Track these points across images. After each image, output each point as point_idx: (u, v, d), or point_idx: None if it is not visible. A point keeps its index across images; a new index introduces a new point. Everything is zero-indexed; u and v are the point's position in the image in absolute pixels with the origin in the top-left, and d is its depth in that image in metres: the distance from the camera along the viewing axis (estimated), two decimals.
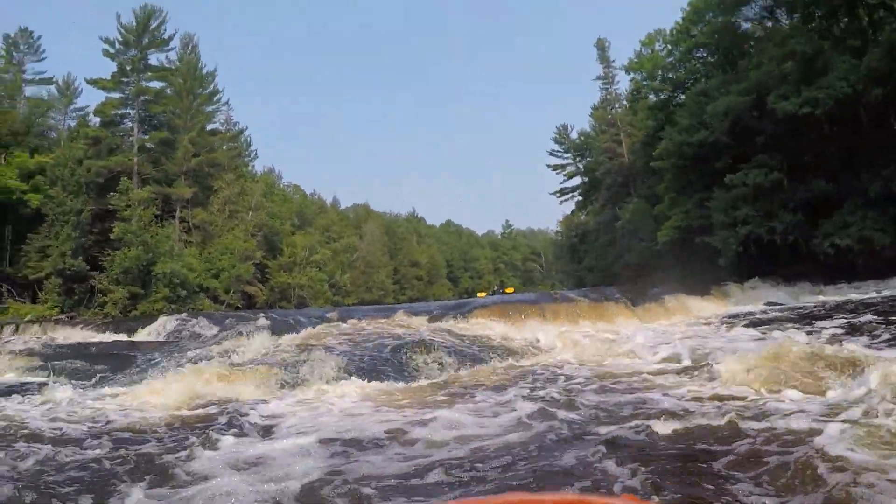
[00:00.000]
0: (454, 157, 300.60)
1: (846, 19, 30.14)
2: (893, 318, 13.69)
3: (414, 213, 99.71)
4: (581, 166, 67.05)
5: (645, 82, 49.19)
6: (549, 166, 68.01)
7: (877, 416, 5.40)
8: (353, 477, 5.45)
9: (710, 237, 33.79)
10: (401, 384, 11.18)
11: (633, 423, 6.31)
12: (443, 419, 7.44)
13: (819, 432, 5.12)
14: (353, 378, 11.47)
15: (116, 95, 46.26)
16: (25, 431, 7.83)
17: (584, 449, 5.59)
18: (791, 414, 6.09)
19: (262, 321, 21.36)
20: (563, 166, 67.99)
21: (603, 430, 6.27)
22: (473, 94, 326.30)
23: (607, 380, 9.70)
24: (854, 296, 22.05)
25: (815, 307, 20.30)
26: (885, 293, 21.07)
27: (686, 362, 10.77)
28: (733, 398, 7.24)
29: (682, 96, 41.64)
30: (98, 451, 6.77)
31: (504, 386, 10.12)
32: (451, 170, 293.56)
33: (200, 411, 9.16)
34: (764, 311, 21.14)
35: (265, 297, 49.74)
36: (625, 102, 56.57)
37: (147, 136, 46.49)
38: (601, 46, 57.25)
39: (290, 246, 54.95)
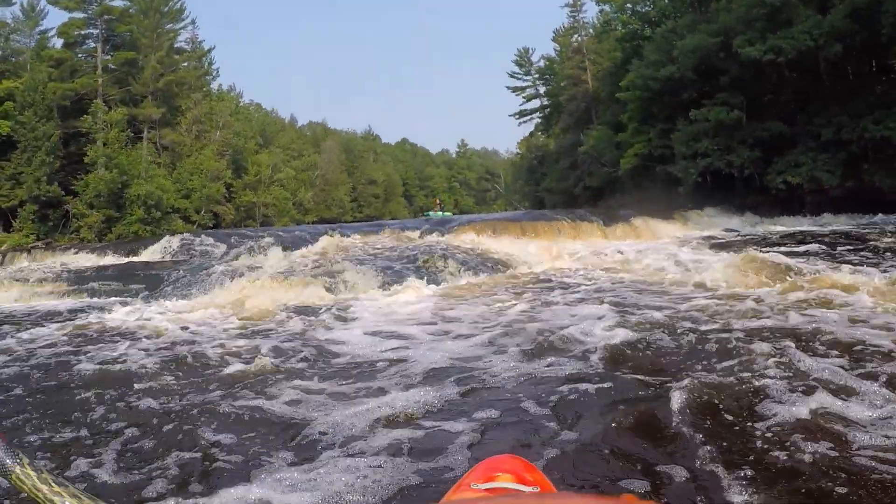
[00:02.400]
0: (410, 74, 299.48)
1: None
2: (836, 245, 16.59)
3: (370, 131, 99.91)
4: (541, 90, 69.28)
5: (615, 14, 51.29)
6: (509, 88, 69.77)
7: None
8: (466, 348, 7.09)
9: (671, 166, 36.91)
10: (442, 286, 12.79)
11: (661, 312, 8.41)
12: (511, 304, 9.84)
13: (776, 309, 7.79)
14: (405, 282, 12.80)
15: (80, 15, 46.16)
16: (153, 347, 8.04)
17: (638, 332, 7.23)
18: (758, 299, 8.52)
19: (267, 238, 22.81)
20: (522, 88, 69.94)
21: (638, 313, 8.37)
22: (431, 12, 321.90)
23: (617, 282, 11.85)
24: (803, 228, 25.08)
25: (768, 234, 23.34)
26: (831, 227, 24.13)
27: (673, 270, 13.08)
28: (717, 291, 9.67)
29: (650, 31, 43.81)
30: (242, 346, 7.67)
31: (529, 286, 12.08)
32: (406, 87, 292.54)
33: (286, 311, 10.24)
34: (723, 236, 24.14)
35: (232, 216, 51.16)
36: (591, 31, 58.38)
37: (111, 57, 46.63)
38: None
39: (254, 165, 56.03)
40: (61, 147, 41.38)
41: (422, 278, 13.33)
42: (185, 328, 9.22)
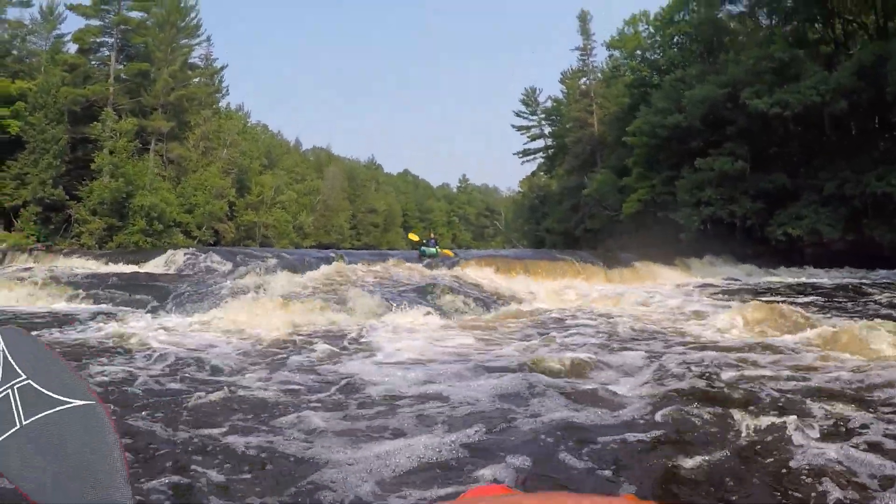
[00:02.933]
0: (416, 107, 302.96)
1: (821, 26, 33.38)
2: (836, 297, 17.11)
3: (373, 160, 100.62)
4: (546, 130, 70.41)
5: (624, 60, 52.39)
6: (514, 126, 71.19)
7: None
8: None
9: (673, 213, 37.49)
10: (455, 319, 12.92)
11: (671, 349, 8.73)
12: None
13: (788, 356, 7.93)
14: (415, 312, 12.84)
15: (96, 23, 46.97)
16: (175, 357, 8.03)
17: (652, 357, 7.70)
18: (772, 348, 8.54)
19: (272, 259, 22.77)
20: (528, 128, 71.25)
21: (658, 345, 8.90)
22: (442, 48, 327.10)
23: (631, 321, 11.94)
24: (803, 279, 25.49)
25: (770, 284, 23.72)
26: (830, 281, 24.51)
27: (683, 313, 13.44)
28: (731, 337, 9.90)
29: (658, 78, 44.72)
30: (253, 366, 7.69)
31: (540, 324, 12.13)
32: (411, 120, 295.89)
33: (300, 334, 10.22)
34: (725, 284, 24.39)
35: (233, 234, 51.47)
36: (599, 76, 59.47)
37: (124, 67, 47.31)
38: (583, 18, 59.62)
39: (258, 185, 56.54)
40: (68, 151, 41.92)
41: (431, 310, 13.42)
42: (193, 346, 9.13)
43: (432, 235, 25.46)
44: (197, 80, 53.77)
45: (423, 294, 15.32)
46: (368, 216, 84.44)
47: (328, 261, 21.13)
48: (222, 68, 57.05)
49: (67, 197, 40.41)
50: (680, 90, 37.74)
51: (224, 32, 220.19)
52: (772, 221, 32.71)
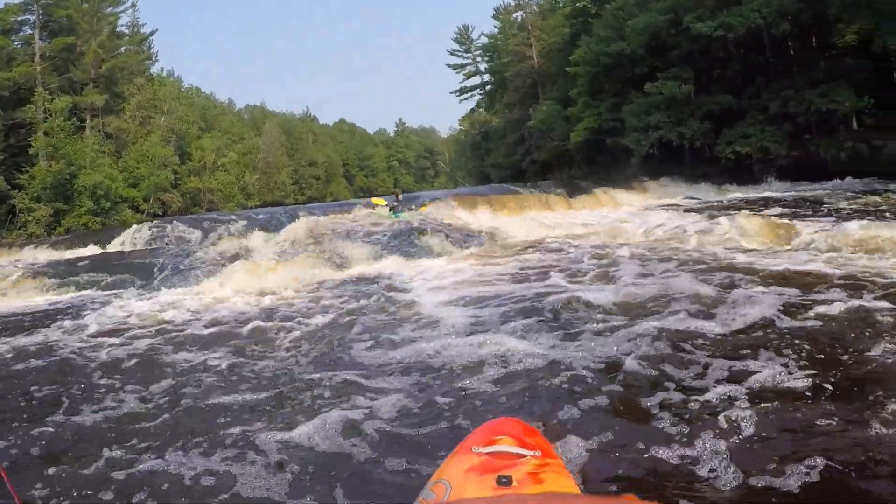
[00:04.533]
0: (347, 55, 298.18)
1: None
2: (801, 207, 18.58)
3: (308, 113, 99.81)
4: (482, 67, 71.26)
5: None
6: (449, 66, 71.83)
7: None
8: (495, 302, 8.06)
9: (622, 138, 39.01)
10: (443, 258, 13.48)
11: (662, 264, 9.62)
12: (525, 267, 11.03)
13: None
14: (410, 256, 13.60)
15: (15, 0, 45.59)
16: (194, 336, 7.90)
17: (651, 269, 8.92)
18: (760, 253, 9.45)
19: (241, 222, 22.51)
20: (463, 66, 71.89)
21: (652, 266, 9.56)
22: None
23: (611, 245, 13.04)
24: (761, 194, 26.99)
25: (729, 201, 25.26)
26: (785, 194, 26.06)
27: (661, 232, 14.50)
28: (728, 248, 10.82)
29: (596, 8, 45.50)
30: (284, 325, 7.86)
31: (528, 253, 12.96)
32: (343, 68, 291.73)
33: (311, 289, 10.63)
34: (688, 203, 25.64)
35: (179, 203, 51.01)
36: (535, 8, 60.21)
37: (49, 44, 45.87)
38: None
39: (198, 150, 56.00)
40: (2, 139, 40.81)
41: (421, 253, 14.14)
42: (222, 314, 9.11)
43: (399, 196, 23.54)
44: (125, 48, 52.55)
45: (406, 239, 16.00)
46: (309, 169, 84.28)
47: (293, 217, 21.39)
48: (151, 33, 55.57)
49: (8, 187, 39.37)
50: (621, 18, 38.85)
51: (152, 14, 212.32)
52: (719, 141, 34.29)
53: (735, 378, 4.31)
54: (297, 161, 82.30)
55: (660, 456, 3.28)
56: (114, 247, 25.12)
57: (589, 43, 41.30)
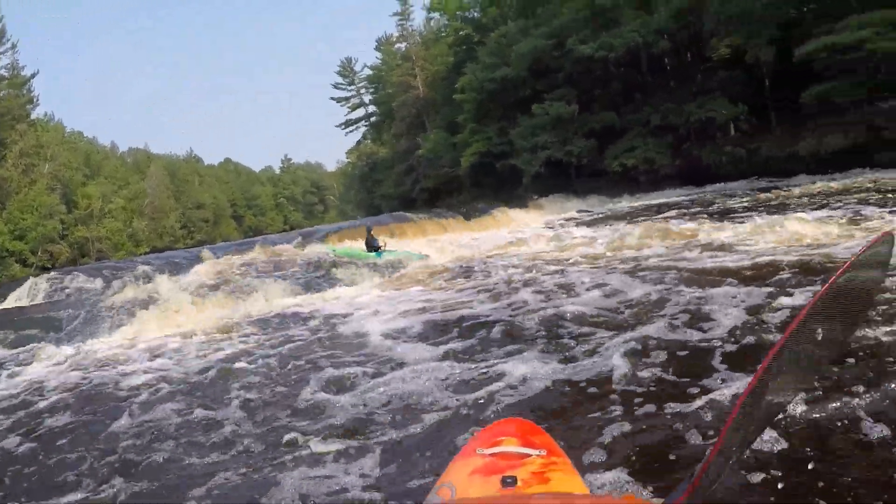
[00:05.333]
0: (229, 94, 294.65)
1: None
2: (693, 210, 19.87)
3: (192, 154, 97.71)
4: (366, 99, 72.05)
5: (447, 22, 54.42)
6: (333, 99, 72.35)
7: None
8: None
9: (513, 160, 40.39)
10: (353, 288, 13.27)
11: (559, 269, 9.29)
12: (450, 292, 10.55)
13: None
14: (327, 287, 13.41)
15: None
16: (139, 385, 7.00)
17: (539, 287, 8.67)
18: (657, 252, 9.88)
19: (143, 267, 22.29)
20: (347, 98, 72.53)
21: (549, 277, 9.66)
22: (247, 31, 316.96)
23: (523, 259, 13.42)
24: (651, 202, 28.36)
25: (623, 210, 26.45)
26: (672, 199, 27.55)
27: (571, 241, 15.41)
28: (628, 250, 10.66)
29: (479, 36, 47.04)
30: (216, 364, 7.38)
31: (447, 275, 12.99)
32: (225, 107, 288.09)
33: (244, 325, 10.00)
34: (583, 216, 26.76)
35: (67, 254, 49.16)
36: (419, 39, 61.44)
37: None
38: None
39: (84, 197, 54.20)
40: None
41: (337, 283, 14.01)
42: (148, 362, 8.29)
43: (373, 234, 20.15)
44: (5, 92, 50.22)
45: (317, 272, 15.99)
46: (197, 212, 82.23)
47: (194, 260, 20.75)
48: (33, 76, 52.72)
49: None
50: (504, 45, 40.37)
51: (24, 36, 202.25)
52: (606, 156, 36.00)
53: (734, 376, 4.23)
54: (184, 204, 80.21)
55: (666, 452, 3.24)
56: (10, 302, 23.78)
57: (474, 70, 42.71)
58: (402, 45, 63.11)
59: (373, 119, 71.90)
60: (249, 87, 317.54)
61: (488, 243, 19.22)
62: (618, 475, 3.08)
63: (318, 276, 15.43)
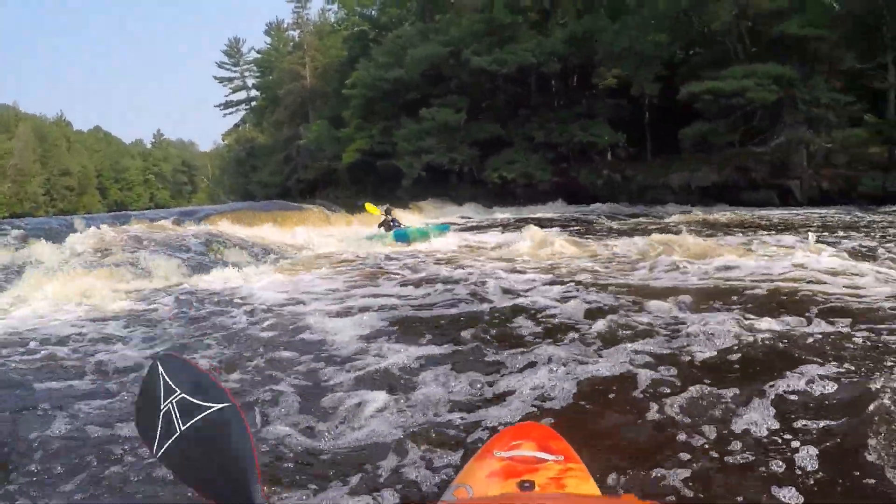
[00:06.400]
0: (104, 57, 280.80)
1: None
2: (572, 226, 20.50)
3: (62, 117, 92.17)
4: (249, 83, 70.77)
5: (346, 15, 54.18)
6: (216, 78, 70.93)
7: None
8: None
9: (394, 161, 40.66)
10: (263, 268, 12.86)
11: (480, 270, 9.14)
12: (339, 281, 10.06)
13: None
14: (218, 269, 12.37)
15: None
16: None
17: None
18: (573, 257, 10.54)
19: (15, 231, 21.10)
20: (230, 79, 71.21)
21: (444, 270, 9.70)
22: None
23: (441, 259, 12.36)
24: (531, 215, 28.83)
25: (504, 218, 27.22)
26: (547, 214, 28.16)
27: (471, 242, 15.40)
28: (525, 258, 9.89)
29: (375, 33, 47.19)
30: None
31: (334, 264, 12.64)
32: (100, 71, 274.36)
33: (141, 300, 9.00)
34: (463, 222, 27.11)
35: None
36: (311, 28, 60.71)
37: None
38: None
39: None
40: None
41: (222, 265, 13.19)
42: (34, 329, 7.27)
43: (392, 214, 18.99)
44: None
45: (204, 253, 15.09)
46: (62, 179, 77.97)
47: (70, 228, 20.24)
48: None
49: None
50: (400, 46, 40.55)
51: None
52: (487, 166, 36.85)
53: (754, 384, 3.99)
54: (50, 170, 75.95)
55: (685, 461, 3.12)
56: None
57: (367, 67, 42.74)
58: (295, 33, 62.56)
59: (254, 104, 70.78)
60: (127, 54, 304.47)
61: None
62: (636, 484, 2.98)
63: (203, 257, 14.46)
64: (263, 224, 21.86)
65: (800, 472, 2.88)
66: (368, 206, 21.61)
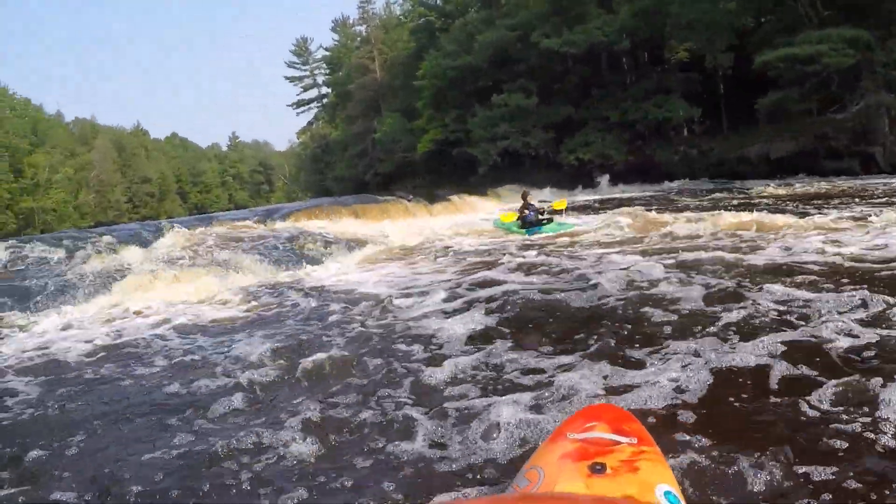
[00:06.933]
0: (177, 65, 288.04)
1: None
2: (653, 204, 20.40)
3: (139, 126, 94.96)
4: (319, 80, 72.08)
5: (410, 7, 54.79)
6: (286, 78, 72.32)
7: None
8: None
9: (469, 148, 40.90)
10: (332, 264, 13.09)
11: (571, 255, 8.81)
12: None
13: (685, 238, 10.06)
14: (307, 264, 12.84)
15: None
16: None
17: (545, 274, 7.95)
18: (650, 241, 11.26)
19: (106, 237, 21.76)
20: (300, 78, 72.41)
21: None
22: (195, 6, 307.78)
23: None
24: (603, 195, 29.18)
25: (588, 202, 26.87)
26: (630, 194, 28.40)
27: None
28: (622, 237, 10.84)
29: (442, 23, 47.70)
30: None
31: (418, 254, 13.06)
32: (174, 79, 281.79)
33: (245, 302, 9.15)
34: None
35: (14, 224, 48.35)
36: (378, 22, 61.53)
37: None
38: None
39: (31, 166, 53.27)
40: None
41: (309, 261, 13.53)
42: (150, 329, 7.70)
43: (530, 200, 16.61)
44: None
45: (288, 250, 15.31)
46: (143, 187, 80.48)
47: (159, 233, 20.88)
48: None
49: None
50: (468, 33, 41.02)
51: None
52: (562, 149, 36.86)
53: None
54: (130, 178, 78.47)
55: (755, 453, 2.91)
56: None
57: (436, 57, 43.22)
58: (362, 28, 63.40)
59: (325, 101, 71.89)
60: (198, 61, 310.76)
61: (463, 226, 19.37)
62: (703, 468, 2.86)
63: (290, 254, 14.62)
64: (344, 218, 22.26)
65: None
66: (504, 216, 17.72)
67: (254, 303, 8.86)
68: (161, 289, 10.90)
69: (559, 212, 16.47)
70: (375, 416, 3.96)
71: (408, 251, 14.24)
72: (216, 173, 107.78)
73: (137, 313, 8.91)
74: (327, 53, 69.70)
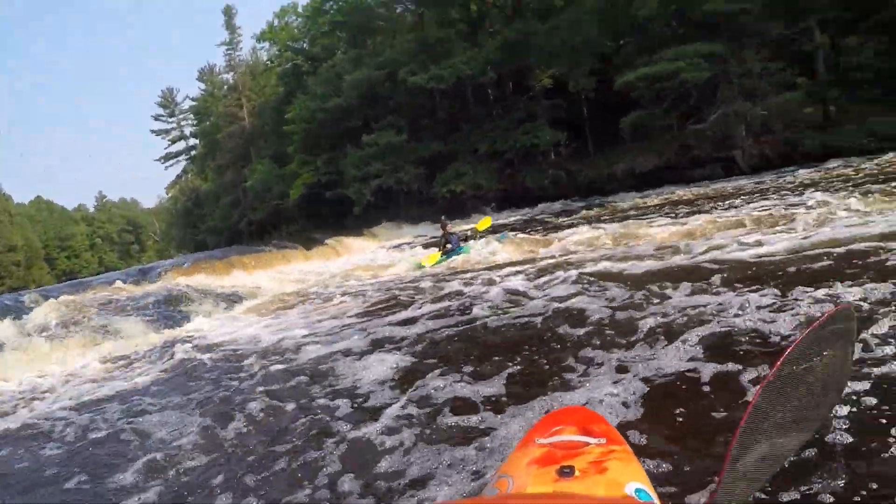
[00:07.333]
0: (39, 126, 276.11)
1: (460, 8, 38.50)
2: (531, 227, 20.59)
3: (0, 192, 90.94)
4: (187, 131, 70.71)
5: (277, 52, 54.31)
6: (153, 131, 70.60)
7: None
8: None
9: (344, 189, 40.67)
10: (238, 309, 13.36)
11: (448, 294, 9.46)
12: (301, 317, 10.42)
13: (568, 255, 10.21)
14: (190, 321, 12.66)
15: None
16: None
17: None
18: (544, 259, 10.47)
19: None
20: (167, 131, 70.89)
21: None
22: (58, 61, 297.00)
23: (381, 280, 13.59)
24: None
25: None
26: (500, 220, 28.49)
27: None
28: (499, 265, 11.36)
29: (310, 66, 47.44)
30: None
31: (305, 301, 12.64)
32: (37, 140, 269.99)
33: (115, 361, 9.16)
34: (418, 241, 26.89)
35: None
36: (244, 68, 60.65)
37: None
38: (228, 13, 60.74)
39: None
40: None
41: (188, 319, 13.23)
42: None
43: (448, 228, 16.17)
44: None
45: (170, 306, 14.94)
46: (8, 256, 75.65)
47: (30, 303, 19.68)
48: None
49: None
50: (337, 74, 40.98)
51: None
52: (435, 183, 37.06)
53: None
54: None
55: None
56: None
57: (304, 100, 42.99)
58: (229, 75, 62.57)
59: (194, 152, 70.42)
60: (60, 119, 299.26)
61: (340, 270, 19.07)
62: (681, 465, 2.96)
63: (167, 312, 14.20)
64: (219, 271, 21.76)
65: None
66: (424, 259, 16.04)
67: (138, 368, 8.40)
68: (37, 363, 10.29)
69: (483, 233, 16.62)
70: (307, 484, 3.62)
71: (288, 297, 14.15)
72: (84, 236, 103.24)
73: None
74: (194, 103, 68.51)
